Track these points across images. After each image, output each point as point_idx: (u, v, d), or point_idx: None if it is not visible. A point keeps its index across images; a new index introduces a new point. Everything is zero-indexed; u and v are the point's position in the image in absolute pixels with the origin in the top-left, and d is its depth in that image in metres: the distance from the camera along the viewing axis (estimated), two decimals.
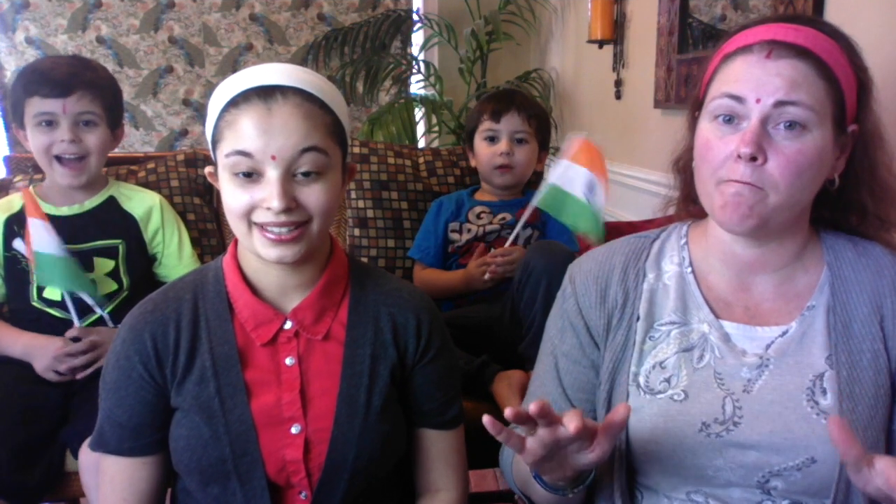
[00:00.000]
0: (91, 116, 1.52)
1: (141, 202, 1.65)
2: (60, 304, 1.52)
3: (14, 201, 1.59)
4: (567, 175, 1.51)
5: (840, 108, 0.86)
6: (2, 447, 1.31)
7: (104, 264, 1.57)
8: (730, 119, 0.87)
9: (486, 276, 1.65)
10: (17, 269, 1.55)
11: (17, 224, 1.55)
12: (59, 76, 1.49)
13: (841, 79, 0.85)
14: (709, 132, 0.89)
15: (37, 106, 1.49)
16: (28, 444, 1.36)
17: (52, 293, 1.53)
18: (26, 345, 1.49)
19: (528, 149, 1.80)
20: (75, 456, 1.36)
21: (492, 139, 1.80)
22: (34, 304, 1.54)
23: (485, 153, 1.81)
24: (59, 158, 1.52)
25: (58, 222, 1.55)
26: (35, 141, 1.51)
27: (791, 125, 0.83)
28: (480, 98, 2.36)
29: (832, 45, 0.86)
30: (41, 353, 1.46)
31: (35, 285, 1.54)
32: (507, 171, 1.78)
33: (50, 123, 1.50)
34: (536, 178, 1.99)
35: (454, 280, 1.75)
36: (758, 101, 0.83)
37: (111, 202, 1.63)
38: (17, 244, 1.54)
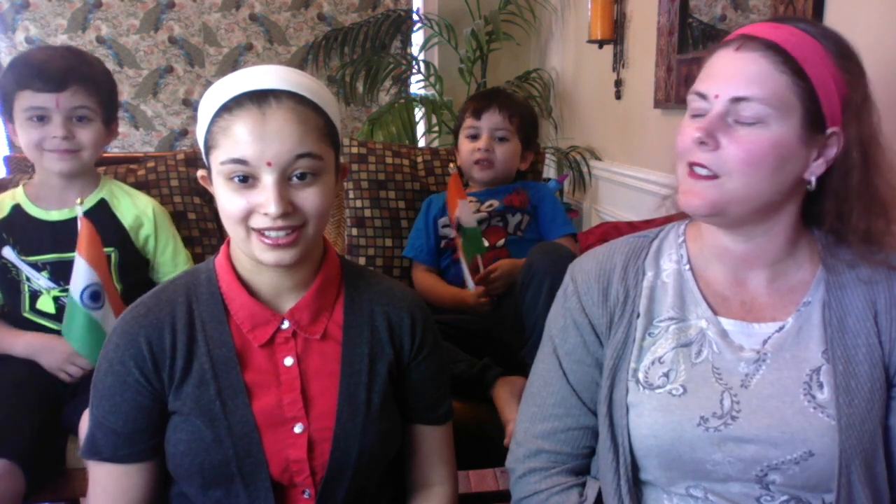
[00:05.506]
0: (85, 111, 1.45)
1: (132, 207, 1.58)
2: (53, 317, 1.47)
3: (4, 202, 1.51)
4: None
5: (812, 106, 0.86)
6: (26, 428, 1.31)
7: None
8: (699, 115, 0.91)
9: (484, 300, 1.65)
10: (8, 278, 1.48)
11: (6, 231, 1.48)
12: (53, 70, 1.41)
13: (812, 76, 0.86)
14: (683, 124, 0.93)
15: (28, 100, 1.41)
16: (39, 433, 1.33)
17: (45, 304, 1.47)
18: (30, 344, 1.45)
19: (509, 147, 1.80)
20: (76, 433, 1.33)
21: (474, 136, 1.81)
22: (26, 315, 1.48)
23: (466, 149, 1.82)
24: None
25: (49, 228, 1.49)
26: (25, 136, 1.43)
27: (745, 118, 0.87)
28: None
29: (812, 45, 0.87)
30: (50, 354, 1.43)
31: (27, 296, 1.48)
32: (487, 167, 1.79)
33: (42, 118, 1.42)
34: (535, 176, 2.00)
35: (448, 297, 1.73)
36: (716, 96, 0.88)
37: (102, 206, 1.55)
38: (7, 252, 1.47)
